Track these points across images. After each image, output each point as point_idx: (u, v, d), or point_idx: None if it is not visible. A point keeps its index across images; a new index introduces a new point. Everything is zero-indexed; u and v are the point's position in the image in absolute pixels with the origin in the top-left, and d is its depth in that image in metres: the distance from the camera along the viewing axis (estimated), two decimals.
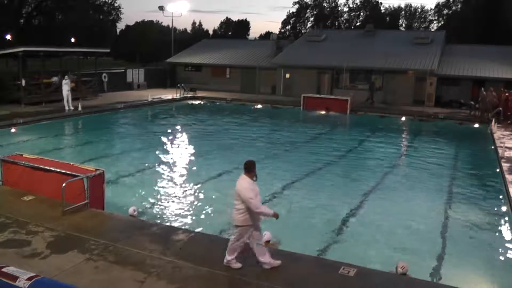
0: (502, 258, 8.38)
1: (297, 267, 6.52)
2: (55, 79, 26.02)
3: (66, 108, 21.98)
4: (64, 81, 22.17)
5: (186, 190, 11.56)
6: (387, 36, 36.18)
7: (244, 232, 6.20)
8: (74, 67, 27.78)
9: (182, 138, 19.29)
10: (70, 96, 22.11)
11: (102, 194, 8.85)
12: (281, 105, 28.34)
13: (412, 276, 6.51)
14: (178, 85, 32.06)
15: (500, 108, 22.65)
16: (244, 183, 6.15)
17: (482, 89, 24.36)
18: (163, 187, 11.73)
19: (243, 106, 28.47)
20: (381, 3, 75.28)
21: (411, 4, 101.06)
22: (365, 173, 14.16)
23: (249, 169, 6.22)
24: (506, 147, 15.93)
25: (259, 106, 28.45)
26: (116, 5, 65.62)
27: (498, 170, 13.99)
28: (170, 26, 50.07)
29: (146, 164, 14.05)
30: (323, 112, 25.85)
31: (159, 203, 10.56)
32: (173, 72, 37.03)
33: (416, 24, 73.89)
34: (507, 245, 8.93)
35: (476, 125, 23.08)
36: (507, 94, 22.90)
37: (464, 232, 9.42)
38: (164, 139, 18.44)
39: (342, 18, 75.97)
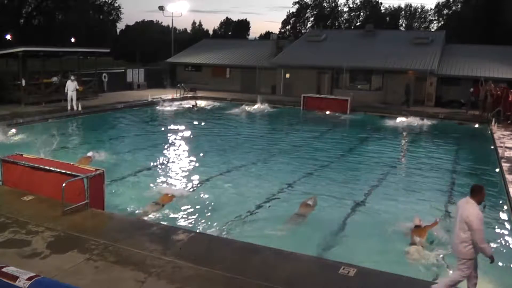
0: (502, 258, 8.36)
1: (297, 267, 6.52)
2: (55, 79, 26.05)
3: (69, 107, 22.04)
4: (69, 81, 22.20)
5: (186, 190, 11.54)
6: (387, 36, 36.19)
7: (470, 266, 5.57)
8: (74, 67, 27.79)
9: (181, 137, 19.28)
10: (74, 96, 22.16)
11: (102, 194, 8.85)
12: (281, 105, 28.34)
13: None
14: (178, 85, 32.07)
15: (500, 108, 22.64)
16: (473, 209, 5.49)
17: (483, 82, 24.16)
18: (162, 187, 11.71)
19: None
20: (381, 3, 75.33)
21: (411, 4, 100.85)
22: (365, 173, 14.16)
23: (475, 193, 5.64)
24: (506, 147, 15.92)
25: (256, 106, 28.10)
26: (116, 5, 65.86)
27: (498, 170, 13.99)
28: (170, 26, 50.08)
29: (146, 164, 14.04)
30: (323, 112, 25.84)
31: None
32: (173, 72, 37.03)
33: (416, 24, 73.89)
34: (507, 245, 8.93)
35: (476, 125, 23.09)
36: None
37: None
38: (163, 138, 18.45)
39: (342, 18, 75.99)
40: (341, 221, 9.78)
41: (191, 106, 27.69)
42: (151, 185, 11.80)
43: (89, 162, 9.45)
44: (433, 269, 7.68)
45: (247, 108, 26.76)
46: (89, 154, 8.65)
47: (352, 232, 9.30)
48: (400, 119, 23.86)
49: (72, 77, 22.60)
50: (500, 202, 11.37)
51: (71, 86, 22.01)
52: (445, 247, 8.11)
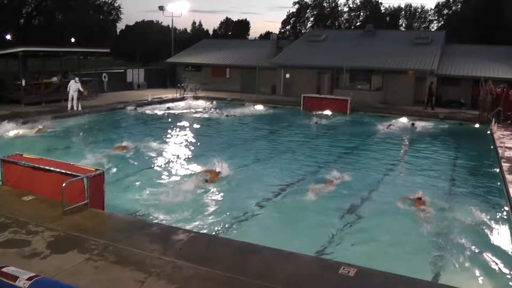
0: (501, 258, 8.37)
1: (297, 267, 6.51)
2: (55, 79, 26.05)
3: (69, 107, 22.09)
4: (73, 82, 22.21)
5: (186, 190, 11.53)
6: (387, 36, 36.23)
7: None
8: (74, 67, 27.79)
9: (181, 137, 19.28)
10: (75, 96, 22.18)
11: (102, 194, 8.84)
12: (281, 105, 28.32)
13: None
14: (178, 85, 32.08)
15: (500, 108, 22.64)
16: None
17: (483, 82, 24.10)
18: (162, 187, 11.72)
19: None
20: (381, 3, 75.29)
21: (411, 4, 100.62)
22: (365, 173, 14.16)
23: None
24: (506, 147, 15.93)
25: (257, 106, 28.13)
26: (116, 5, 65.72)
27: (498, 170, 13.99)
28: (170, 26, 50.09)
29: (145, 164, 14.04)
30: (323, 112, 25.82)
31: (159, 202, 10.55)
32: (173, 72, 37.03)
33: (416, 24, 73.83)
34: (506, 245, 8.93)
35: (476, 125, 23.08)
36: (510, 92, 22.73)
37: (463, 231, 9.41)
38: (163, 138, 18.44)
39: (342, 18, 75.95)
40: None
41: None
42: (150, 184, 11.81)
43: (123, 150, 12.71)
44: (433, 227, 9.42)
45: (245, 108, 26.83)
46: (124, 143, 10.60)
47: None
48: (401, 120, 23.88)
49: (76, 79, 22.67)
50: (500, 202, 11.38)
51: (74, 87, 22.06)
52: (442, 211, 10.37)
